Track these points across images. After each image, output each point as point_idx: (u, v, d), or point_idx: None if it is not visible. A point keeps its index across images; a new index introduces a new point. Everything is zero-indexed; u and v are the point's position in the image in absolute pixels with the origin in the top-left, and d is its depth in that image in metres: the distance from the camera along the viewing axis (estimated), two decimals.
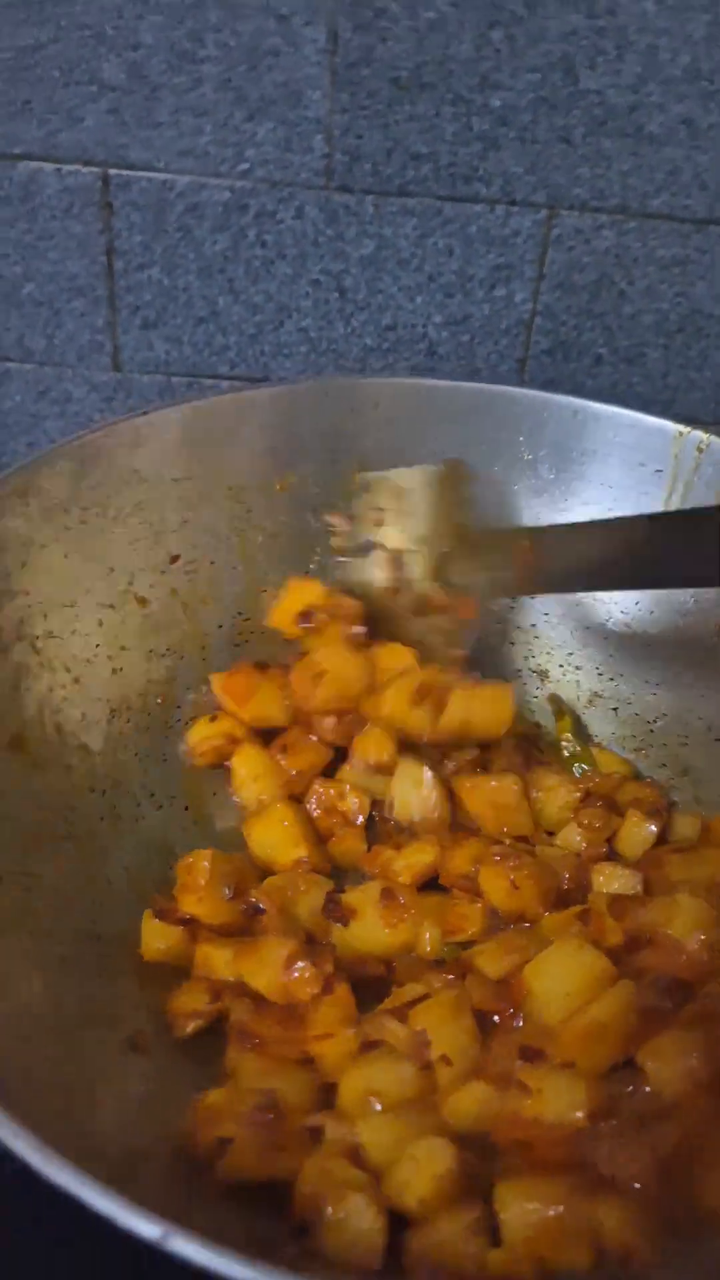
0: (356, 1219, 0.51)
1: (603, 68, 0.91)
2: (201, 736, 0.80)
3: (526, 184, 0.96)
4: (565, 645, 0.88)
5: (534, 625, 0.88)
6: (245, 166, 0.96)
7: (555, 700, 0.87)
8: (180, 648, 0.82)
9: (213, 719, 0.80)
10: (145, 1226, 0.42)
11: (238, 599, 0.83)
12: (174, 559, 0.81)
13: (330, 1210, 0.52)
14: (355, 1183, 0.53)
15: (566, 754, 0.84)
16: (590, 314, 1.02)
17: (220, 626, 0.82)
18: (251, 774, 0.78)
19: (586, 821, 0.75)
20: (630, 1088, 0.58)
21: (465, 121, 0.94)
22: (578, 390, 0.92)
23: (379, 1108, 0.58)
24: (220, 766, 0.80)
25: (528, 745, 0.82)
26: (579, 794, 0.77)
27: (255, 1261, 0.41)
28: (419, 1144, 0.55)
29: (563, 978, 0.60)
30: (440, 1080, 0.60)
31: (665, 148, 0.94)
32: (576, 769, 0.83)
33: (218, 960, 0.67)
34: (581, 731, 0.87)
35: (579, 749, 0.84)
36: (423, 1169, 0.53)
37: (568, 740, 0.85)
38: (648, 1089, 0.57)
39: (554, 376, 1.04)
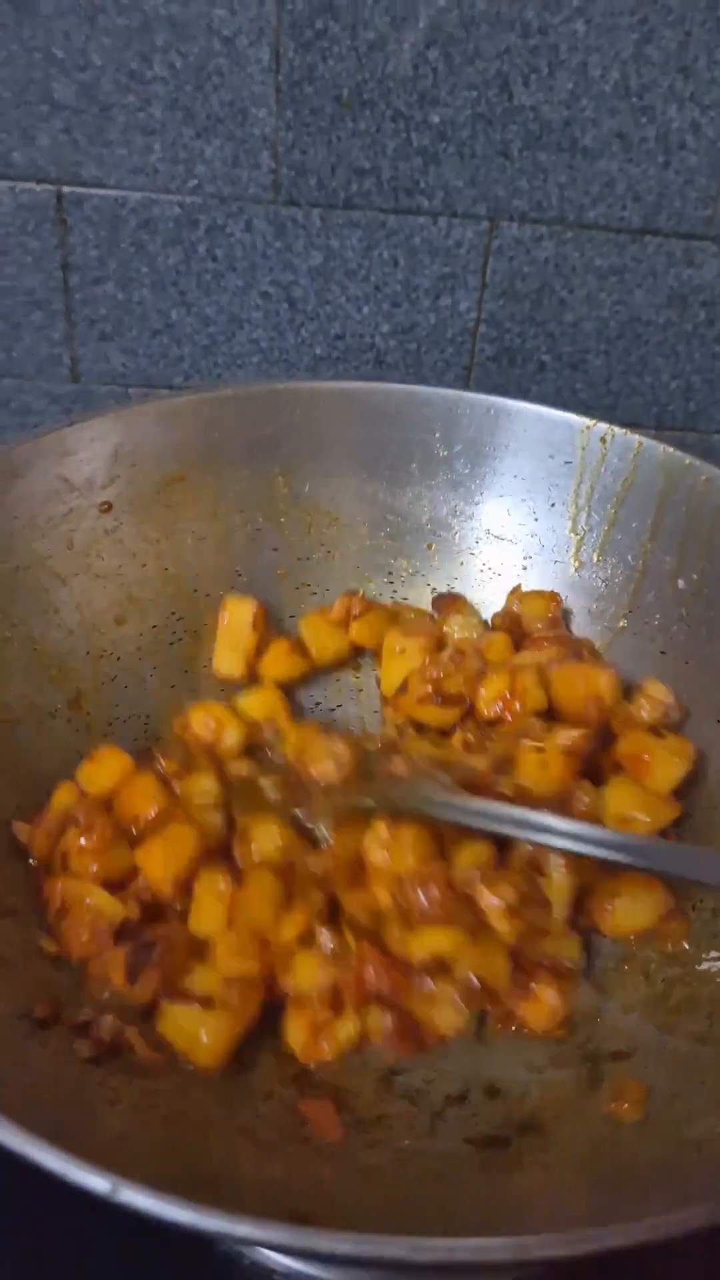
0: None
1: (536, 85, 0.94)
2: None
3: (467, 196, 0.99)
4: None
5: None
6: (195, 183, 0.99)
7: None
8: (115, 649, 0.84)
9: None
10: (96, 1181, 0.43)
11: (170, 600, 0.86)
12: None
13: None
14: None
15: None
16: (533, 321, 1.04)
17: (154, 626, 0.85)
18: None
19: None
20: None
21: (406, 137, 0.96)
22: (523, 396, 0.94)
23: None
24: None
25: None
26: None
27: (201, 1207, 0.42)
28: None
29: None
30: None
31: (599, 160, 0.97)
32: None
33: None
34: None
35: None
36: None
37: None
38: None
39: (500, 383, 1.07)
